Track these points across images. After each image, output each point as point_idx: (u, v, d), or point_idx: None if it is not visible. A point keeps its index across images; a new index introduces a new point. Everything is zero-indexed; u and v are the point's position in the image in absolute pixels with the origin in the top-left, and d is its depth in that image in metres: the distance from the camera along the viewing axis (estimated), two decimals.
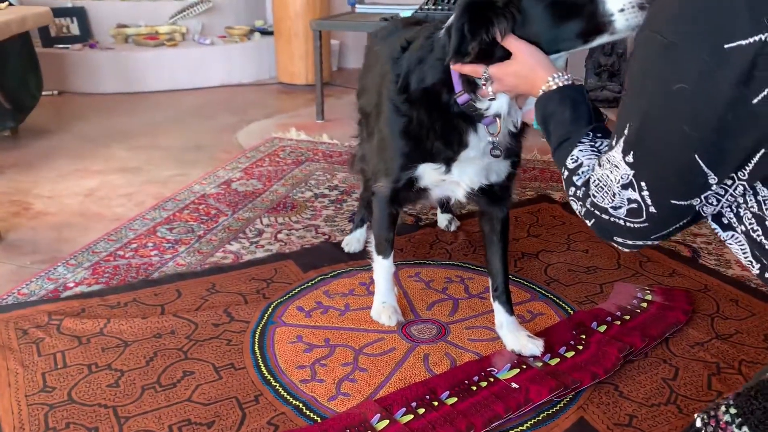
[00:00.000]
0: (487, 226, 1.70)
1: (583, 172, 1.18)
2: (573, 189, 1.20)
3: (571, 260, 2.08)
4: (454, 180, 1.56)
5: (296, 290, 1.92)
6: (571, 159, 1.21)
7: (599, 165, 1.12)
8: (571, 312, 1.80)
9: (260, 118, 3.87)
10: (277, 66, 4.72)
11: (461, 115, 1.46)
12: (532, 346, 1.59)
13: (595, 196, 1.13)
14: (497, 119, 1.43)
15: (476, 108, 1.42)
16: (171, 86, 4.54)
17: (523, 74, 1.30)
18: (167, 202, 2.57)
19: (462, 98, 1.43)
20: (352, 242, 2.15)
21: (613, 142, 1.07)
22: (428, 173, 1.56)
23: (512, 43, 1.29)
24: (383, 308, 1.77)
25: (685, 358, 1.59)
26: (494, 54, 1.31)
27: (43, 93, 3.66)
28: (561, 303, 1.84)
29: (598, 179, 1.11)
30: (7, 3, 2.84)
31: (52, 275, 2.02)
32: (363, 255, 2.09)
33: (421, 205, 2.45)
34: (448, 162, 1.53)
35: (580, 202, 1.18)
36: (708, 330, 1.70)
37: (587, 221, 1.19)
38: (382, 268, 1.79)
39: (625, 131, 1.03)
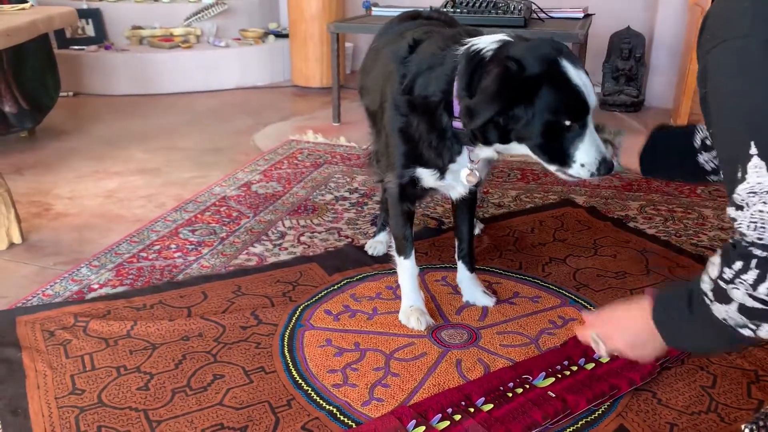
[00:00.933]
0: (458, 200, 1.78)
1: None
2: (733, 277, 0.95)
3: (600, 265, 2.06)
4: (449, 184, 1.66)
5: (322, 293, 1.90)
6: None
7: (740, 208, 0.94)
8: None
9: (276, 120, 3.86)
10: (292, 69, 4.71)
11: (454, 135, 1.54)
12: (485, 299, 1.83)
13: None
14: (476, 149, 1.54)
15: (467, 139, 1.51)
16: (186, 88, 4.53)
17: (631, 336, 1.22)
18: (188, 203, 2.56)
19: (457, 124, 1.50)
20: (375, 245, 2.14)
21: (738, 178, 0.92)
22: (426, 177, 1.64)
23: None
24: (411, 311, 1.75)
25: (722, 365, 1.56)
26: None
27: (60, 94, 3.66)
28: (592, 309, 1.82)
29: (758, 219, 0.91)
30: (30, 3, 2.83)
31: (76, 276, 2.01)
32: (388, 258, 2.07)
33: (432, 199, 2.46)
34: (440, 170, 1.61)
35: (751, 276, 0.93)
36: None
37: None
38: (404, 269, 1.78)
39: (751, 150, 0.90)
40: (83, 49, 4.48)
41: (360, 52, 5.16)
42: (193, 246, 2.20)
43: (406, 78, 1.56)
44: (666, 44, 4.06)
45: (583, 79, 1.37)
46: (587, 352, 1.57)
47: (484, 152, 1.55)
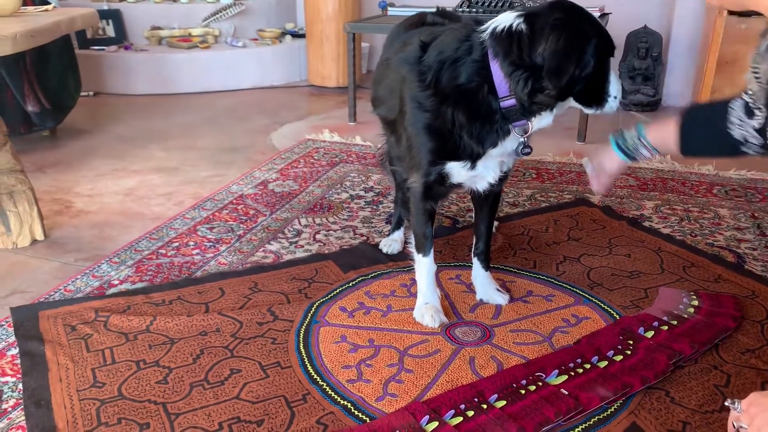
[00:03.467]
0: (482, 197, 1.81)
1: None
2: None
3: (614, 264, 2.06)
4: (480, 174, 1.66)
5: (338, 290, 1.92)
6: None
7: None
8: (617, 317, 1.77)
9: (293, 120, 3.90)
10: (308, 68, 4.75)
11: (503, 117, 1.55)
12: (498, 297, 1.84)
13: None
14: (529, 122, 1.57)
15: (519, 115, 1.55)
16: (204, 88, 4.59)
17: None
18: (206, 201, 2.59)
19: (507, 102, 1.52)
20: (390, 243, 2.16)
21: None
22: (456, 170, 1.64)
23: None
24: (426, 309, 1.76)
25: (736, 365, 1.56)
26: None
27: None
28: (606, 307, 1.82)
29: None
30: (53, 5, 2.89)
31: (97, 272, 2.05)
32: (402, 257, 2.09)
33: (447, 198, 2.47)
34: (474, 159, 1.61)
35: None
36: (758, 337, 1.67)
37: None
38: (423, 266, 1.79)
39: None
40: (103, 50, 4.55)
41: (376, 52, 5.18)
42: (211, 243, 2.24)
43: (427, 75, 1.57)
44: (683, 43, 4.04)
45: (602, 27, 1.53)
46: (600, 350, 1.58)
47: (543, 121, 1.59)
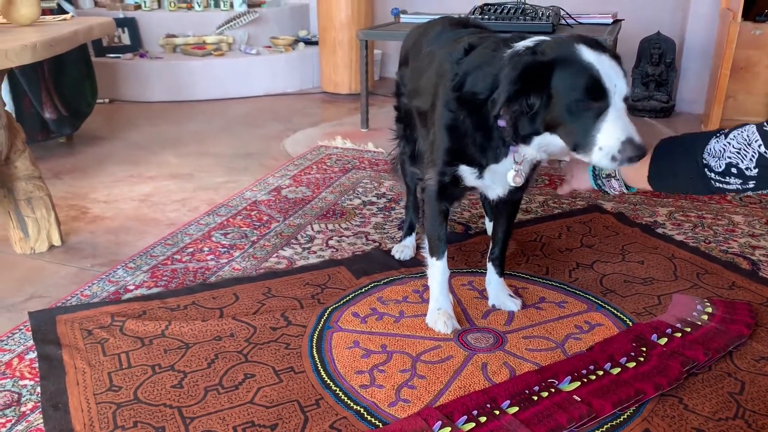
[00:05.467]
0: (498, 204, 1.82)
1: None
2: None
3: (627, 271, 2.06)
4: (487, 184, 1.70)
5: (350, 296, 1.93)
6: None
7: None
8: (630, 323, 1.77)
9: (306, 126, 3.92)
10: (321, 75, 4.78)
11: (499, 136, 1.57)
12: (511, 303, 1.85)
13: None
14: (523, 154, 1.58)
15: (511, 138, 1.54)
16: (218, 95, 4.63)
17: None
18: (220, 207, 2.62)
19: (501, 122, 1.53)
20: (402, 249, 2.17)
21: None
22: (467, 174, 1.66)
23: None
24: (438, 315, 1.77)
25: (751, 372, 1.55)
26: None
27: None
28: (619, 314, 1.82)
29: None
30: (71, 14, 2.93)
31: (113, 278, 2.07)
32: (414, 263, 2.10)
33: (460, 203, 2.49)
34: (480, 168, 1.64)
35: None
36: None
37: None
38: (436, 270, 1.80)
39: None
40: (119, 57, 4.61)
41: (389, 59, 5.21)
42: (225, 249, 2.26)
43: (458, 76, 1.59)
44: (697, 49, 4.03)
45: (602, 60, 1.39)
46: (613, 357, 1.58)
47: (528, 151, 1.56)
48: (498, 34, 1.79)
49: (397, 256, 2.15)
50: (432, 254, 1.80)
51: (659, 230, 2.36)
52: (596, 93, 1.38)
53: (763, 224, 2.40)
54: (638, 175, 1.55)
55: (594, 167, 1.65)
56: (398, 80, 2.10)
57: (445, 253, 1.80)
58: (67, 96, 3.39)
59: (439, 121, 1.65)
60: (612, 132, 1.38)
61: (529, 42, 1.51)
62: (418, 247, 2.00)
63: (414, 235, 2.19)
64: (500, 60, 1.51)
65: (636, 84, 4.12)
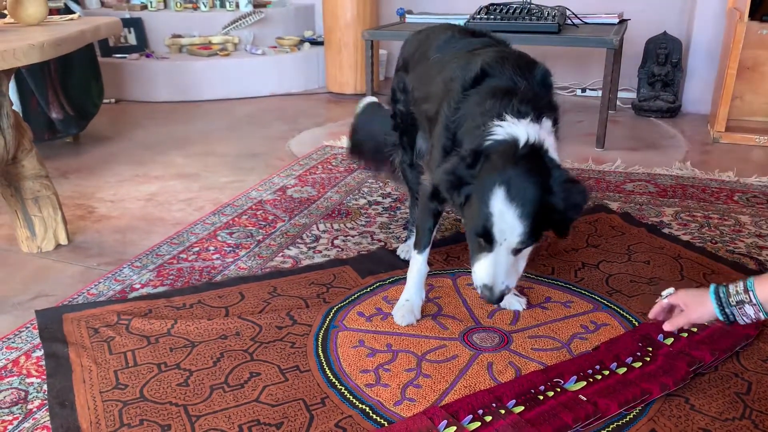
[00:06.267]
0: None
1: None
2: None
3: (633, 271, 2.05)
4: None
5: (355, 295, 1.94)
6: None
7: None
8: (636, 323, 1.77)
9: (311, 126, 3.93)
10: (327, 76, 4.78)
11: None
12: (516, 303, 1.85)
13: None
14: None
15: None
16: (224, 95, 4.64)
17: None
18: (226, 207, 2.63)
19: None
20: (407, 249, 2.16)
21: None
22: None
23: None
24: (402, 306, 1.81)
25: (758, 372, 1.55)
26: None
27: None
28: (625, 314, 1.82)
29: None
30: (78, 14, 2.94)
31: (119, 276, 2.08)
32: None
33: None
34: None
35: None
36: None
37: None
38: (415, 263, 1.83)
39: None
40: (125, 57, 4.62)
41: (394, 59, 5.20)
42: (230, 248, 2.26)
43: (456, 115, 1.61)
44: (703, 49, 4.01)
45: (503, 211, 1.39)
46: (619, 357, 1.58)
47: None
48: (509, 50, 1.78)
49: (402, 256, 2.15)
50: (416, 246, 1.83)
51: (665, 230, 2.36)
52: (485, 237, 1.44)
53: None
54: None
55: (719, 293, 1.51)
56: (394, 86, 2.09)
57: (427, 249, 1.81)
58: (74, 96, 3.40)
59: (438, 139, 1.67)
60: (479, 272, 1.46)
61: (501, 134, 1.48)
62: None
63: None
64: (486, 134, 1.51)
65: (642, 84, 4.11)
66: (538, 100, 1.58)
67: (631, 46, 4.13)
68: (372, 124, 2.32)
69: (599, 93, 3.36)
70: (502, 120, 1.50)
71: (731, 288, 1.50)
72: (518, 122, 1.50)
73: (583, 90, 4.54)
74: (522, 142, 1.46)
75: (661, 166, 3.04)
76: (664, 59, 4.00)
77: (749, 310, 1.46)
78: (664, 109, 3.99)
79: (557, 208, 1.44)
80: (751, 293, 1.45)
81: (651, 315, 1.68)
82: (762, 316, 1.47)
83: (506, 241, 1.42)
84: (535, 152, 1.47)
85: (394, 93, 2.10)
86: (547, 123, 1.55)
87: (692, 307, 1.58)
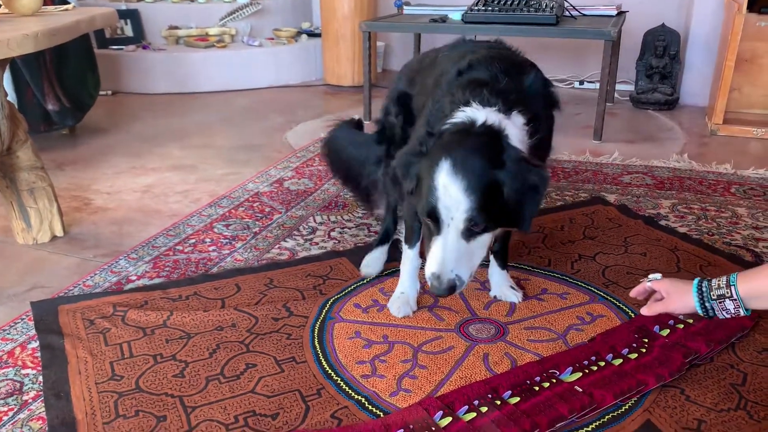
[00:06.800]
0: None
1: None
2: None
3: (629, 263, 2.05)
4: None
5: (352, 287, 1.93)
6: None
7: None
8: (633, 315, 1.77)
9: (308, 118, 3.92)
10: (324, 67, 4.77)
11: None
12: (512, 295, 1.84)
13: None
14: None
15: None
16: (221, 87, 4.62)
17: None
18: (222, 199, 2.62)
19: None
20: (368, 264, 2.03)
21: None
22: None
23: None
24: (397, 298, 1.81)
25: (753, 363, 1.55)
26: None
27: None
28: (621, 305, 1.82)
29: None
30: (72, 5, 2.93)
31: (115, 268, 2.07)
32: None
33: None
34: None
35: None
36: None
37: None
38: (407, 257, 1.84)
39: None
40: (122, 49, 4.60)
41: (392, 51, 5.20)
42: (227, 240, 2.26)
43: (436, 107, 1.59)
44: (702, 41, 4.00)
45: (446, 184, 1.34)
46: (615, 348, 1.58)
47: None
48: (507, 52, 1.75)
49: (364, 272, 2.00)
50: (406, 242, 1.83)
51: (662, 222, 2.36)
52: (431, 216, 1.39)
53: (767, 216, 2.39)
54: (762, 291, 1.44)
55: (701, 287, 1.55)
56: (389, 97, 2.00)
57: (418, 244, 1.81)
58: (70, 87, 3.39)
59: (416, 129, 1.68)
60: (429, 261, 1.40)
61: (460, 117, 1.46)
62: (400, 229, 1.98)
63: (387, 244, 2.08)
64: (443, 119, 1.50)
65: (640, 76, 4.10)
66: (514, 95, 1.52)
67: (630, 38, 4.12)
68: (345, 149, 2.15)
69: (597, 85, 3.36)
70: (467, 107, 1.48)
71: (714, 282, 1.52)
72: (482, 109, 1.46)
73: (581, 82, 4.53)
74: (478, 123, 1.43)
75: (658, 159, 3.03)
76: (662, 51, 3.99)
77: (729, 305, 1.48)
78: (661, 101, 3.98)
79: (511, 188, 1.36)
80: (732, 288, 1.47)
81: (632, 294, 1.71)
82: (742, 312, 1.48)
83: (453, 220, 1.36)
84: (490, 132, 1.41)
85: (387, 105, 1.99)
86: (518, 119, 1.49)
87: (673, 296, 1.61)
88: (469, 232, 1.38)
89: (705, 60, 3.99)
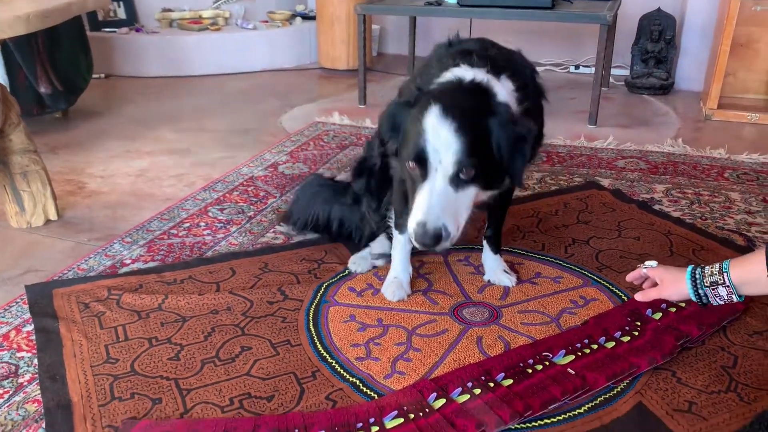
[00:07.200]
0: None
1: None
2: None
3: (623, 247, 2.06)
4: None
5: (346, 271, 1.94)
6: None
7: None
8: (625, 298, 1.78)
9: (303, 102, 3.90)
10: (319, 51, 4.74)
11: None
12: (506, 279, 1.84)
13: None
14: None
15: None
16: (215, 70, 4.59)
17: None
18: (217, 183, 2.61)
19: None
20: (356, 261, 1.98)
21: None
22: None
23: None
24: (391, 282, 1.82)
25: (744, 346, 1.56)
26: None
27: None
28: (614, 289, 1.83)
29: None
30: None
31: (109, 252, 2.07)
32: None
33: None
34: None
35: None
36: (767, 319, 1.67)
37: None
38: (398, 243, 1.84)
39: None
40: (115, 32, 4.56)
41: (387, 35, 5.16)
42: (221, 224, 2.26)
43: (424, 72, 1.63)
44: (697, 26, 3.99)
45: (436, 126, 1.33)
46: (608, 331, 1.59)
47: None
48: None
49: (352, 269, 1.94)
50: (396, 227, 1.83)
51: (656, 207, 2.36)
52: (419, 160, 1.35)
53: (759, 201, 2.40)
54: (754, 277, 1.43)
55: (695, 274, 1.55)
56: (372, 141, 1.96)
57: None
58: (63, 70, 3.36)
59: (402, 95, 1.69)
60: (415, 210, 1.36)
61: (448, 77, 1.49)
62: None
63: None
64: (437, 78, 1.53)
65: (635, 61, 4.09)
66: (503, 63, 1.54)
67: (625, 23, 4.10)
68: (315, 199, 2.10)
69: (593, 70, 3.35)
70: (456, 68, 1.49)
71: (707, 269, 1.54)
72: (471, 69, 1.47)
73: (577, 67, 4.52)
74: (467, 80, 1.44)
75: (652, 143, 3.04)
76: (658, 36, 3.98)
77: (722, 291, 1.50)
78: (656, 86, 3.98)
79: (499, 136, 1.36)
80: (725, 275, 1.48)
81: (628, 278, 1.73)
82: (735, 299, 1.50)
83: (441, 164, 1.33)
84: (479, 89, 1.42)
85: (372, 141, 1.95)
86: (507, 83, 1.50)
87: (667, 283, 1.63)
88: (458, 180, 1.35)
89: (700, 45, 3.98)
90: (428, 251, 1.49)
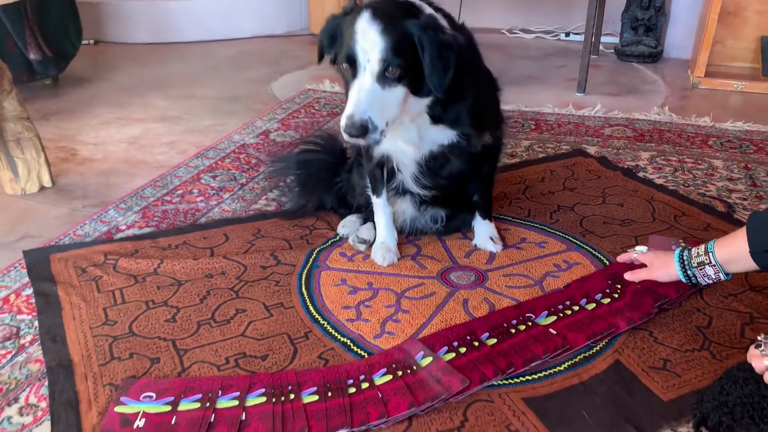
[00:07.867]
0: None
1: None
2: None
3: (606, 213, 2.12)
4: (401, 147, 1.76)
5: (337, 237, 1.99)
6: None
7: None
8: (607, 262, 1.84)
9: (293, 69, 3.90)
10: (309, 16, 4.71)
11: None
12: (490, 246, 1.90)
13: None
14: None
15: None
16: (204, 37, 4.56)
17: None
18: (209, 150, 2.64)
19: None
20: (344, 224, 2.04)
21: None
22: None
23: None
24: (379, 247, 1.87)
25: (719, 308, 1.63)
26: None
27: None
28: (596, 254, 1.89)
29: None
30: None
31: (105, 218, 2.11)
32: None
33: None
34: None
35: None
36: (742, 282, 1.73)
37: None
38: (378, 207, 1.89)
39: None
40: None
41: None
42: (214, 191, 2.29)
43: None
44: None
45: (365, 29, 1.45)
46: (589, 294, 1.66)
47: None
48: None
49: (341, 233, 2.00)
50: (373, 192, 1.88)
51: (640, 174, 2.42)
52: (350, 60, 1.47)
53: (741, 168, 2.46)
54: (736, 254, 1.47)
55: (682, 256, 1.60)
56: None
57: (384, 192, 1.86)
58: (52, 36, 3.34)
59: None
60: (346, 109, 1.46)
61: None
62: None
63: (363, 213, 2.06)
64: None
65: (625, 28, 4.10)
66: (444, 12, 1.65)
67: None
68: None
69: (583, 38, 3.36)
70: None
71: (693, 251, 1.60)
72: None
73: (567, 34, 4.52)
74: None
75: (639, 111, 3.08)
76: (648, 3, 3.98)
77: (710, 271, 1.55)
78: (646, 54, 4.00)
79: (424, 40, 1.47)
80: (711, 255, 1.54)
81: (618, 259, 1.78)
82: (722, 277, 1.55)
83: (369, 62, 1.45)
84: (412, 4, 1.55)
85: None
86: (441, 19, 1.60)
87: (656, 266, 1.69)
88: (384, 78, 1.47)
89: (690, 12, 4.00)
90: (358, 143, 1.55)
